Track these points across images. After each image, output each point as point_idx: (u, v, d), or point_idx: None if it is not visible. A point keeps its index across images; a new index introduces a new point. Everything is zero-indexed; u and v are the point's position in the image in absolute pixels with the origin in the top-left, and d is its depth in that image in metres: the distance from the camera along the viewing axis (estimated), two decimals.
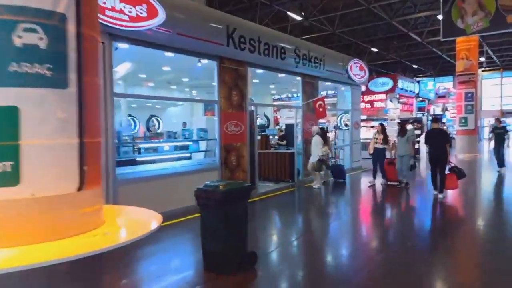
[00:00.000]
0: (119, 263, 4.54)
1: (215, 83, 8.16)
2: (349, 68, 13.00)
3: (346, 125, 14.22)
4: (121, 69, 9.00)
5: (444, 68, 33.48)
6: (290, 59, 10.02)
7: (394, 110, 18.19)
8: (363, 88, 19.50)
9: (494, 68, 35.21)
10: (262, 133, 12.47)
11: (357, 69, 13.54)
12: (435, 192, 8.60)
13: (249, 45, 8.49)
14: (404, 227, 6.87)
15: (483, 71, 34.80)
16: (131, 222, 2.80)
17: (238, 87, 8.65)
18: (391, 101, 18.34)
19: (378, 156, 10.73)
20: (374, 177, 10.73)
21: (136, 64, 8.97)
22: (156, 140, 9.58)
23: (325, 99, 16.64)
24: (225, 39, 7.89)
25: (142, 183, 6.68)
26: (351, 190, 10.97)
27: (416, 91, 21.93)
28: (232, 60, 8.42)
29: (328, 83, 13.40)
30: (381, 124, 11.03)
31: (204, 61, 8.20)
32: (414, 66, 34.24)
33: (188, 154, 9.14)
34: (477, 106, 18.44)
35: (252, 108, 9.32)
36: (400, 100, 19.25)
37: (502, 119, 35.55)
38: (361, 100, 19.84)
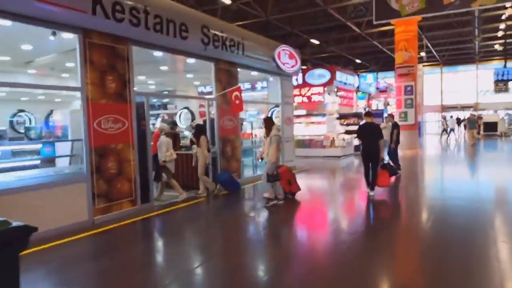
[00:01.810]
0: None
1: (77, 64, 6.07)
2: (276, 56, 11.34)
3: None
4: None
5: (386, 63, 33.22)
6: (195, 40, 8.13)
7: (332, 104, 16.84)
8: (300, 80, 18.10)
9: (434, 63, 35.53)
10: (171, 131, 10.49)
11: (286, 57, 11.91)
12: (368, 190, 7.94)
13: (130, 15, 6.47)
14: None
15: (424, 66, 34.98)
16: None
17: (116, 71, 6.61)
18: (329, 94, 16.99)
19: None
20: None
21: None
22: None
23: (255, 92, 15.06)
24: (90, 4, 5.84)
25: None
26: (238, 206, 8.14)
27: (356, 85, 20.86)
28: (104, 35, 6.36)
29: (255, 73, 11.70)
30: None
31: (67, 35, 6.09)
32: (358, 61, 33.77)
33: (36, 162, 6.90)
34: (417, 100, 17.60)
35: (142, 99, 7.30)
36: (339, 93, 17.95)
37: (443, 113, 36.54)
38: (298, 93, 18.54)
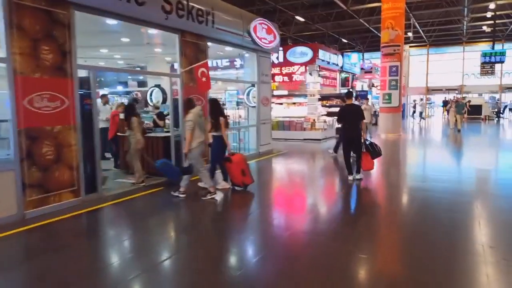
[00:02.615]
0: None
1: (0, 29, 5.06)
2: (252, 29, 10.38)
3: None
4: None
5: (373, 43, 32.32)
6: (154, 7, 7.15)
7: (314, 84, 15.99)
8: (281, 58, 17.17)
9: (421, 44, 34.81)
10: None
11: (263, 32, 10.97)
12: (350, 178, 7.66)
13: None
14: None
15: (410, 47, 34.25)
16: None
17: (54, 40, 5.62)
18: (310, 74, 16.10)
19: (212, 149, 7.23)
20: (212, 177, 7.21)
21: None
22: None
23: (234, 70, 14.10)
24: None
25: None
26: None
27: (340, 64, 20.01)
28: None
29: (229, 48, 10.75)
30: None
31: None
32: (344, 40, 32.80)
33: None
34: (402, 82, 16.88)
35: (86, 73, 6.33)
36: (321, 73, 17.09)
37: (428, 96, 36.11)
38: (279, 72, 17.63)
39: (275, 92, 18.94)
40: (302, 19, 24.52)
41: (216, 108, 7.10)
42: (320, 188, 7.93)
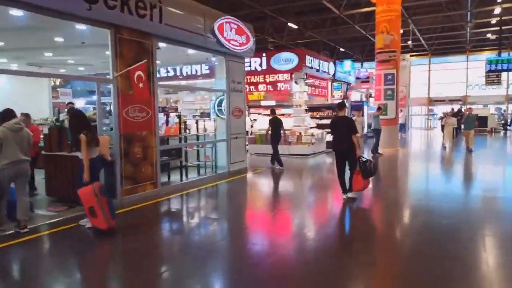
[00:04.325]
0: None
1: None
2: (216, 29, 8.85)
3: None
4: None
5: (372, 53, 30.80)
6: None
7: (300, 93, 14.42)
8: (264, 65, 15.65)
9: (422, 54, 33.27)
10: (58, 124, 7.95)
11: (232, 33, 9.44)
12: (344, 197, 7.04)
13: None
14: None
15: (411, 56, 32.72)
16: None
17: None
18: (296, 82, 14.54)
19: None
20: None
21: None
22: None
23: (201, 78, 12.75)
24: None
25: None
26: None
27: (332, 73, 18.45)
28: None
29: (192, 51, 9.25)
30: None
31: None
32: (342, 49, 31.32)
33: None
34: (398, 91, 15.25)
35: None
36: (308, 82, 15.51)
37: (430, 107, 34.34)
38: (262, 80, 16.12)
39: (262, 103, 17.49)
40: (295, 26, 23.10)
41: (75, 122, 5.48)
42: (297, 218, 6.32)
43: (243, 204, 7.63)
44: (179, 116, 8.68)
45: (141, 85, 6.30)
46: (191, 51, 9.40)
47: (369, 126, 19.89)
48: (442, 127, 17.46)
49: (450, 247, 4.64)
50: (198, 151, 9.49)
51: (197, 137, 9.41)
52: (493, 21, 22.29)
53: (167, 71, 16.99)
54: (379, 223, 6.16)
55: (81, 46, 8.40)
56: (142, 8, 6.90)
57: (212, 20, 8.82)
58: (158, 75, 17.04)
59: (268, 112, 17.16)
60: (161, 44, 8.20)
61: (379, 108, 13.79)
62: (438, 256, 4.29)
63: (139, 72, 6.33)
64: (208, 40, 8.75)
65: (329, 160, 13.13)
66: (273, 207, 7.27)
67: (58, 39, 7.85)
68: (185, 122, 9.11)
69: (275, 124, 11.33)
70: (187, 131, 9.27)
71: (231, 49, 9.41)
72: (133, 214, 6.37)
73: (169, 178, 8.52)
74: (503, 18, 20.42)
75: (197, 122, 9.54)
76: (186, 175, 8.85)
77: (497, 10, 19.16)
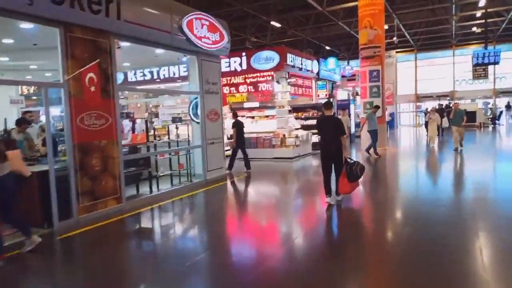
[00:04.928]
0: None
1: None
2: (185, 25, 8.16)
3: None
4: None
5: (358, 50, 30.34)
6: None
7: (282, 94, 13.76)
8: (244, 65, 14.96)
9: (408, 50, 32.92)
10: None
11: (204, 30, 8.75)
12: (327, 199, 6.65)
13: None
14: None
15: (397, 52, 32.33)
16: None
17: None
18: (278, 82, 13.87)
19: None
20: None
21: None
22: None
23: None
24: None
25: None
26: None
27: (316, 71, 17.82)
28: None
29: (160, 51, 8.54)
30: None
31: None
32: (327, 47, 30.79)
33: None
34: (384, 88, 14.66)
35: None
36: (290, 81, 14.86)
37: (418, 104, 33.95)
38: (243, 81, 15.45)
39: (245, 105, 16.82)
40: (278, 25, 22.47)
41: None
42: (280, 228, 5.65)
43: (219, 216, 6.92)
44: (146, 122, 7.91)
45: (92, 88, 5.58)
46: (159, 51, 8.69)
47: (356, 125, 19.40)
48: (426, 123, 16.10)
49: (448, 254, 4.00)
50: (170, 159, 8.74)
51: (169, 144, 8.68)
52: (478, 13, 21.92)
53: (144, 75, 16.22)
54: (369, 230, 5.51)
55: (39, 49, 7.61)
56: (96, 3, 6.19)
57: (181, 16, 8.12)
58: (134, 79, 16.38)
59: (252, 114, 16.65)
60: (125, 44, 7.52)
61: (375, 106, 13.02)
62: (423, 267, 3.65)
63: (91, 74, 5.61)
64: (176, 38, 8.05)
65: (315, 162, 12.49)
66: (253, 218, 6.60)
67: (7, 41, 7.07)
68: (154, 129, 8.36)
69: (239, 126, 10.73)
70: (157, 138, 8.52)
71: (202, 47, 8.72)
72: (91, 235, 5.64)
73: (138, 191, 7.77)
74: (488, 10, 20.00)
75: (177, 128, 8.82)
76: (158, 187, 8.10)
77: (482, 2, 18.75)
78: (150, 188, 7.80)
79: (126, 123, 7.69)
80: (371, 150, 12.59)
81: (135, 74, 16.06)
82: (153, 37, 7.59)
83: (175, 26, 8.00)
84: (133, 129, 7.79)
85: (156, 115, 15.49)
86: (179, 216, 7.06)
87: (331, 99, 18.45)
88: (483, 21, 21.50)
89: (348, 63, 31.38)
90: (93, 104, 5.87)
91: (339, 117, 11.46)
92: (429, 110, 16.76)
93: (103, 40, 6.52)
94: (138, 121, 8.11)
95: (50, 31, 5.88)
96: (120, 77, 15.47)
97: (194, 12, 8.51)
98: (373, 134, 12.48)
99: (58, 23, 5.81)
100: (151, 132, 8.23)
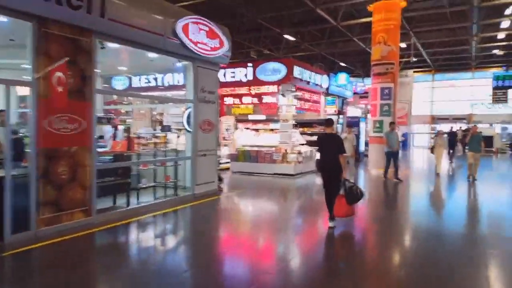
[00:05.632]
0: None
1: None
2: (179, 28, 7.66)
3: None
4: None
5: None
6: None
7: (287, 107, 13.16)
8: (250, 75, 14.44)
9: (425, 70, 32.07)
10: None
11: (201, 35, 8.26)
12: (330, 224, 6.32)
13: None
14: None
15: (414, 72, 31.51)
16: None
17: None
18: (283, 95, 13.28)
19: None
20: None
21: None
22: None
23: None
24: None
25: None
26: None
27: (325, 86, 17.19)
28: None
29: (154, 55, 8.03)
30: None
31: None
32: (342, 64, 30.14)
33: None
34: (395, 107, 13.94)
35: None
36: (296, 94, 14.26)
37: (433, 125, 32.85)
38: (247, 92, 14.92)
39: (251, 117, 16.34)
40: (292, 38, 21.95)
41: None
42: (268, 255, 4.97)
43: (198, 237, 6.28)
44: (127, 129, 7.37)
45: (60, 89, 5.06)
46: (153, 55, 8.18)
47: (366, 144, 18.57)
48: (432, 148, 13.96)
49: None
50: (154, 171, 8.16)
51: (154, 154, 8.11)
52: (501, 35, 21.05)
53: (148, 81, 15.86)
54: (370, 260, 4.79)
55: (20, 46, 7.19)
56: None
57: (175, 19, 7.63)
58: (138, 85, 15.95)
59: (256, 126, 16.16)
60: (112, 45, 7.04)
61: (391, 123, 11.89)
62: None
63: (60, 74, 5.10)
64: (168, 42, 7.55)
65: (317, 181, 11.78)
66: (235, 244, 5.94)
67: None
68: (138, 137, 7.81)
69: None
70: (141, 146, 7.97)
71: (198, 53, 8.20)
72: (47, 251, 5.07)
73: (114, 203, 7.20)
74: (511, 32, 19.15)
75: (178, 137, 8.26)
76: (137, 199, 7.51)
77: (505, 23, 17.93)
78: (128, 201, 7.20)
79: (108, 129, 7.17)
80: (389, 173, 11.59)
81: (139, 80, 15.72)
82: (142, 39, 7.09)
83: (168, 29, 7.51)
84: (114, 136, 7.25)
85: (160, 123, 15.04)
86: (155, 233, 6.43)
87: (340, 116, 17.78)
88: (505, 43, 20.61)
89: (362, 80, 30.70)
90: (60, 106, 5.34)
91: (344, 135, 10.76)
92: (438, 132, 14.88)
93: (84, 39, 6.04)
94: (119, 127, 7.55)
95: (23, 25, 5.43)
96: (124, 82, 15.17)
97: (191, 16, 8.02)
98: (388, 155, 11.54)
99: (30, 17, 5.34)
100: (138, 141, 7.68)
